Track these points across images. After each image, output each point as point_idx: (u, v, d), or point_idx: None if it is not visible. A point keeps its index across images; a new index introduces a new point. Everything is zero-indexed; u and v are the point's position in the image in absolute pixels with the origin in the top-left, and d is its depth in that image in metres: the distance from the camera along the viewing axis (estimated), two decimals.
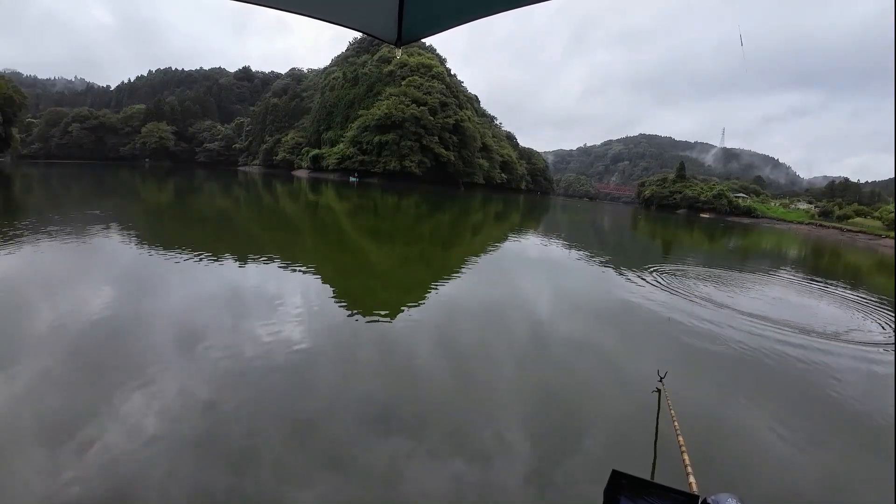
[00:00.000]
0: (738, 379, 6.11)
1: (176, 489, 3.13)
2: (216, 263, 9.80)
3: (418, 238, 18.97)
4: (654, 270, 13.62)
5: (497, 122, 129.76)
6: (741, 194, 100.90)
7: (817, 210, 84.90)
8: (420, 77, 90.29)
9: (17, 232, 11.62)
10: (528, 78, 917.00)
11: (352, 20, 1.85)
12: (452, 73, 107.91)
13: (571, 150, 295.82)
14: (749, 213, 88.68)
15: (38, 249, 9.81)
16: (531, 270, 13.37)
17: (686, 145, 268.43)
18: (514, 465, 3.72)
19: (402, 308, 7.78)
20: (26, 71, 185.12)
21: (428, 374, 5.34)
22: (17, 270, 8.30)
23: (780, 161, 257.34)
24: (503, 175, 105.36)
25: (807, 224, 73.88)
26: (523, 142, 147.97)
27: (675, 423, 3.18)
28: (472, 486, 3.42)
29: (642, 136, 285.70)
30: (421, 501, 3.29)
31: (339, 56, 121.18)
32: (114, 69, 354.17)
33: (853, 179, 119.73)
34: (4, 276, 7.80)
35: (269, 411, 4.17)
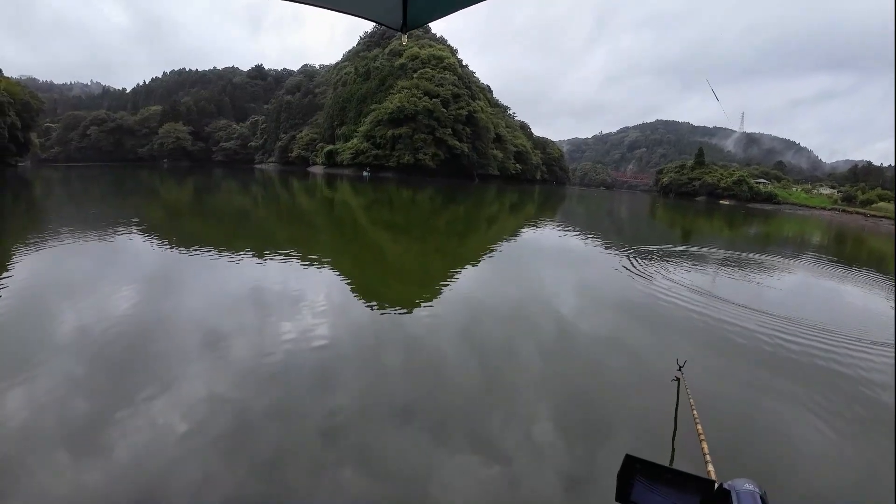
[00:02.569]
0: (761, 370, 6.04)
1: (204, 489, 3.20)
2: (238, 260, 10.03)
3: (433, 231, 19.06)
4: (675, 258, 13.48)
5: (510, 112, 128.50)
6: (762, 180, 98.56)
7: (840, 195, 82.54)
8: (431, 69, 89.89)
9: (39, 231, 12.09)
10: (548, 65, 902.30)
11: (356, 7, 1.85)
12: (464, 63, 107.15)
13: (587, 139, 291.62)
14: (770, 199, 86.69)
15: (64, 247, 10.19)
16: (548, 262, 13.34)
17: (705, 131, 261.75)
18: (526, 441, 3.80)
19: (420, 301, 7.89)
20: (42, 76, 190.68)
21: (449, 366, 5.44)
22: (58, 266, 8.64)
23: (802, 145, 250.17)
24: (518, 165, 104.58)
25: (830, 210, 71.99)
26: (539, 132, 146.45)
27: (694, 412, 3.17)
28: (495, 468, 3.51)
29: (659, 122, 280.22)
30: (439, 492, 3.38)
31: (350, 51, 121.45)
32: (129, 71, 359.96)
33: (877, 163, 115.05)
34: (41, 271, 8.14)
35: (294, 408, 4.29)
